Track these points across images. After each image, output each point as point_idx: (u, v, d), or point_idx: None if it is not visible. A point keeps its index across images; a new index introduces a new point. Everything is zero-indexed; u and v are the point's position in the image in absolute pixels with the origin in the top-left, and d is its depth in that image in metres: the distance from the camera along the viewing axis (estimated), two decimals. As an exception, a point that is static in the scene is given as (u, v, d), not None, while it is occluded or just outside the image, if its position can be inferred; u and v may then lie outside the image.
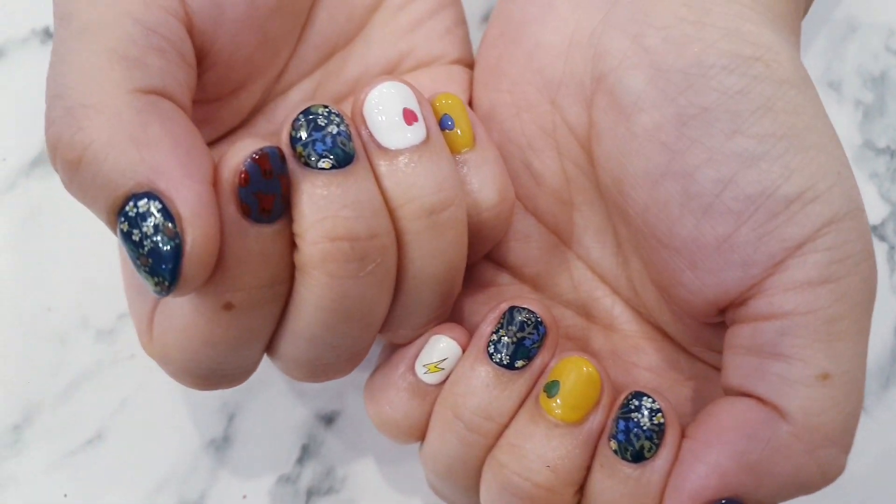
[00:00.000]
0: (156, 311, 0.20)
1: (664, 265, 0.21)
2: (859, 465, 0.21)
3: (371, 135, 0.20)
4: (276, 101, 0.23)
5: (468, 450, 0.21)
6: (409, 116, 0.20)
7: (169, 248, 0.17)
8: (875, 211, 0.31)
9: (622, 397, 0.21)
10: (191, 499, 0.27)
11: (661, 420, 0.20)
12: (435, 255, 0.20)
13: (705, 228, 0.19)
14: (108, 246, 0.27)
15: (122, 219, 0.17)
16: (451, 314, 0.23)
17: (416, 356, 0.22)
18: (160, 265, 0.17)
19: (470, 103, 0.25)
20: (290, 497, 0.27)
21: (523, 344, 0.21)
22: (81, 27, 0.18)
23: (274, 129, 0.23)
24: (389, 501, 0.28)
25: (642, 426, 0.20)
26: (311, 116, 0.19)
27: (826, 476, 0.19)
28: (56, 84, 0.18)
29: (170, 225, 0.17)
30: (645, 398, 0.21)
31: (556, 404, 0.21)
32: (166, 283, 0.17)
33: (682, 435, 0.20)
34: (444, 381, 0.22)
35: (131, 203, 0.17)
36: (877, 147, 0.31)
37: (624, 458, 0.20)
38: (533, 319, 0.21)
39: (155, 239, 0.17)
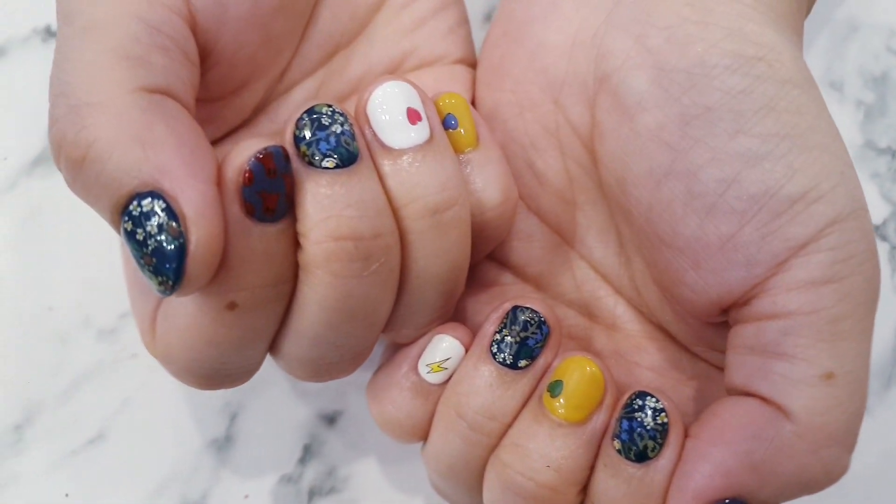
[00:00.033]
0: (159, 310, 0.20)
1: (667, 265, 0.21)
2: (861, 464, 0.21)
3: (375, 134, 0.20)
4: (279, 100, 0.23)
5: (471, 449, 0.21)
6: (413, 116, 0.20)
7: (173, 247, 0.17)
8: (876, 211, 0.31)
9: (625, 397, 0.21)
10: (192, 498, 0.27)
11: (665, 420, 0.20)
12: (438, 254, 0.20)
13: (709, 228, 0.19)
14: (109, 245, 0.27)
15: (126, 218, 0.17)
16: (454, 314, 0.23)
17: (419, 356, 0.22)
18: (164, 264, 0.17)
19: (473, 103, 0.25)
20: (292, 497, 0.27)
21: (527, 343, 0.21)
22: (85, 25, 0.18)
23: (277, 128, 0.23)
24: (392, 501, 0.28)
25: (646, 426, 0.20)
26: (314, 116, 0.19)
27: (830, 476, 0.19)
28: (60, 82, 0.18)
29: (174, 224, 0.17)
30: (648, 398, 0.21)
31: (560, 404, 0.21)
32: (170, 283, 0.17)
33: (686, 434, 0.20)
34: (447, 381, 0.22)
35: (135, 202, 0.17)
36: (878, 147, 0.31)
37: (627, 458, 0.20)
38: (536, 319, 0.21)
39: (159, 238, 0.17)
